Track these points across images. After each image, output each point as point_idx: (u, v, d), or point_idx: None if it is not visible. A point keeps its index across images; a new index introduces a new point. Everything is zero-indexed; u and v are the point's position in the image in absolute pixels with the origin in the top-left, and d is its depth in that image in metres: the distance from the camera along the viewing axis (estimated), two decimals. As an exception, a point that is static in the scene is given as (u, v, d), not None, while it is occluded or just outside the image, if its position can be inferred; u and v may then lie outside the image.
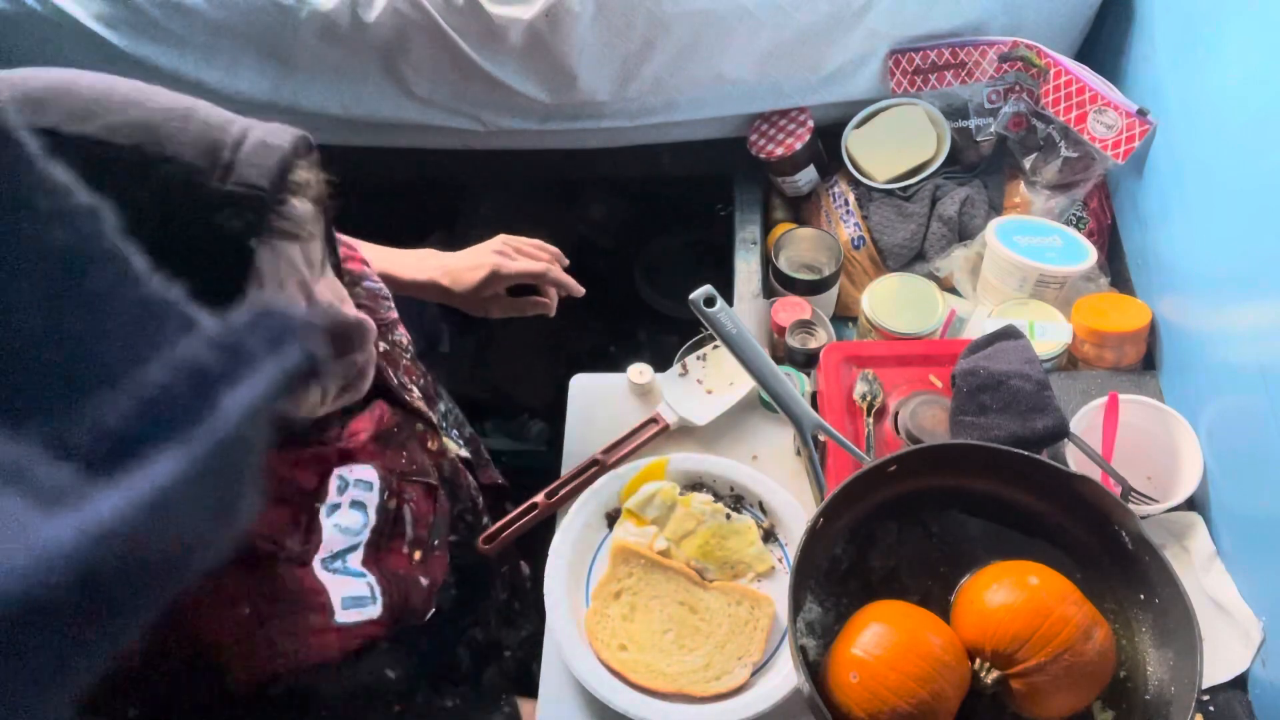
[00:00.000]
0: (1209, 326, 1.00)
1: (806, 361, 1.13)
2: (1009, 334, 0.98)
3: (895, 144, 1.33)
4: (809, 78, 1.33)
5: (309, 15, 1.26)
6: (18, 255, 0.22)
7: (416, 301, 1.06)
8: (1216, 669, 0.87)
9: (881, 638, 0.73)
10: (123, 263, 0.24)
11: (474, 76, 1.31)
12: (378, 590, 0.76)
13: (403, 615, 0.78)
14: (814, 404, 1.05)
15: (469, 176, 1.60)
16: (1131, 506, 0.93)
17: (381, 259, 1.03)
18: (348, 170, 0.69)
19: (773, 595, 0.94)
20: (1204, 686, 0.80)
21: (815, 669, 0.76)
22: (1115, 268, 1.23)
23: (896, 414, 1.00)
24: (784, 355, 1.17)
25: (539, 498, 1.02)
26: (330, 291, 0.67)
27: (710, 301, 0.92)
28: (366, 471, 0.79)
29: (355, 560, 0.75)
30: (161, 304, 0.25)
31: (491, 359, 1.75)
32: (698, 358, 1.12)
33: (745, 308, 1.29)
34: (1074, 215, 1.25)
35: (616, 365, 1.16)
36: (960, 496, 0.85)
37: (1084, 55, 1.29)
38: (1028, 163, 1.27)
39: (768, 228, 1.44)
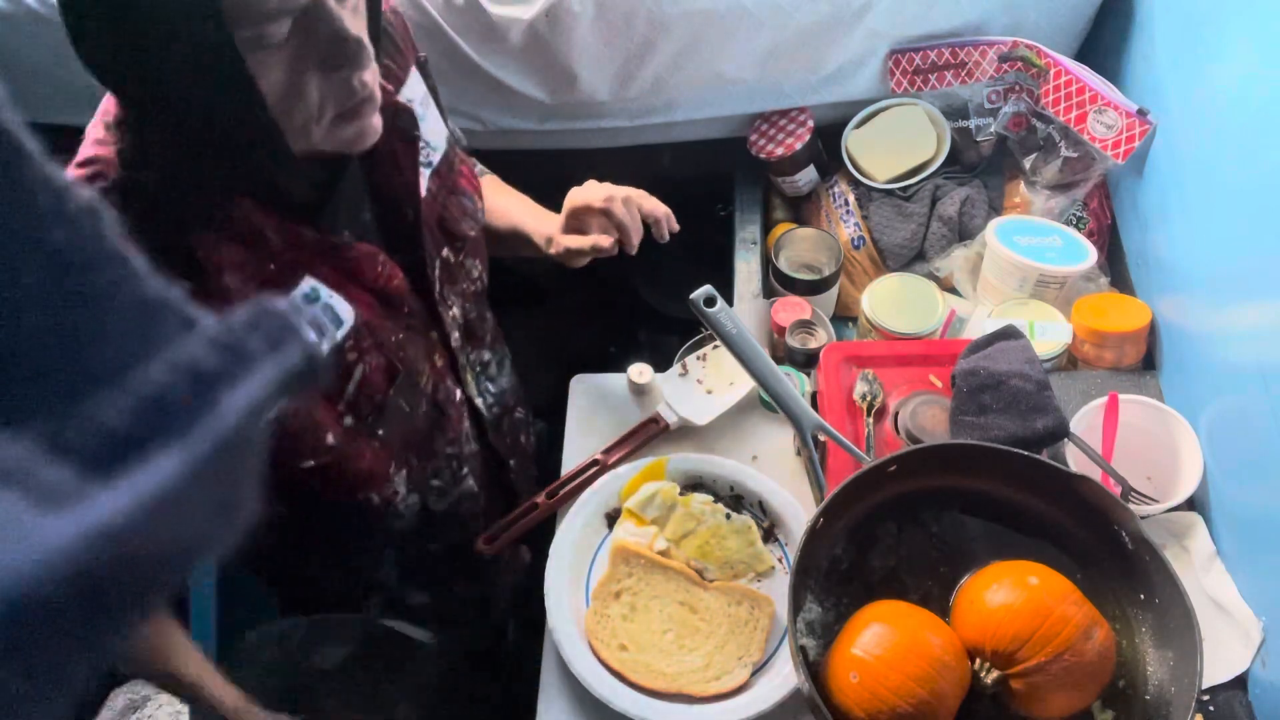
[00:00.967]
0: (1209, 326, 1.00)
1: (806, 361, 1.13)
2: (1009, 334, 0.98)
3: (895, 144, 1.33)
4: (809, 78, 1.33)
5: (309, 15, 1.26)
6: (18, 255, 0.22)
7: None
8: (1216, 669, 0.87)
9: (881, 638, 0.73)
10: (123, 263, 0.24)
11: (474, 76, 1.31)
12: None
13: (285, 440, 0.77)
14: (814, 404, 1.05)
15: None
16: (1131, 506, 0.93)
17: (515, 210, 1.08)
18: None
19: (772, 595, 0.94)
20: (1204, 686, 0.80)
21: (815, 669, 0.76)
22: (1115, 268, 1.23)
23: (896, 414, 1.00)
24: (784, 355, 1.17)
25: (540, 497, 1.02)
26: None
27: (710, 301, 0.92)
28: (343, 307, 0.78)
29: None
30: (161, 304, 0.25)
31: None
32: (698, 358, 1.12)
33: (745, 308, 1.29)
34: (1074, 215, 1.25)
35: (616, 365, 1.16)
36: (960, 496, 0.85)
37: (1084, 55, 1.29)
38: (1028, 163, 1.27)
39: (768, 228, 1.44)
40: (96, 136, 0.70)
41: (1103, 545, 0.81)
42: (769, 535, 0.99)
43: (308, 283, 0.75)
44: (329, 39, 0.66)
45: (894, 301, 1.17)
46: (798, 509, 0.99)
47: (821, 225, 1.38)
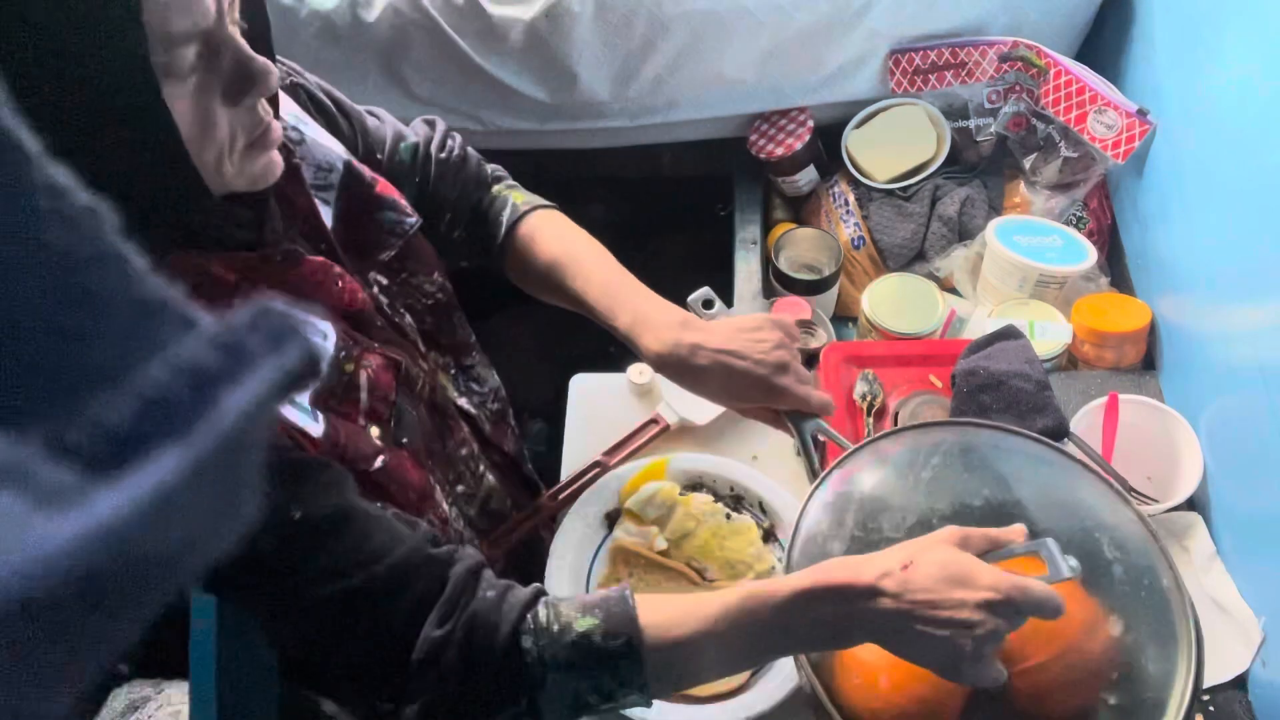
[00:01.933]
0: (1209, 326, 1.00)
1: (806, 361, 1.13)
2: (1009, 334, 0.98)
3: (895, 144, 1.33)
4: (809, 78, 1.33)
5: (308, 15, 1.26)
6: (18, 255, 0.22)
7: None
8: (1216, 669, 0.87)
9: None
10: (123, 263, 0.24)
11: (474, 76, 1.32)
12: (323, 423, 0.70)
13: (346, 455, 0.72)
14: (814, 404, 1.05)
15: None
16: (1131, 506, 0.93)
17: (610, 285, 0.89)
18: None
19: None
20: (1204, 686, 0.80)
21: (818, 668, 0.75)
22: (1115, 268, 1.23)
23: (896, 414, 1.00)
24: (784, 355, 1.17)
25: (542, 499, 1.02)
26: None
27: (708, 304, 0.91)
28: (321, 323, 0.73)
29: (304, 399, 0.70)
30: (161, 304, 0.25)
31: (491, 359, 1.75)
32: None
33: (745, 308, 1.29)
34: (1074, 215, 1.25)
35: (616, 365, 1.16)
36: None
37: (1084, 55, 1.29)
38: (1028, 163, 1.27)
39: (768, 228, 1.44)
40: None
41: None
42: (769, 536, 0.99)
43: (277, 305, 0.71)
44: (232, 65, 0.62)
45: (894, 301, 1.17)
46: (798, 509, 0.99)
47: (821, 225, 1.38)
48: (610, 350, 1.88)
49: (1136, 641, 0.72)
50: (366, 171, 0.83)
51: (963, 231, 1.29)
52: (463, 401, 0.97)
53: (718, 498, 1.01)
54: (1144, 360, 1.12)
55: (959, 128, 1.32)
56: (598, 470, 1.04)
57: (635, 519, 0.99)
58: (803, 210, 1.46)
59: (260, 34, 0.67)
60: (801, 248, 1.28)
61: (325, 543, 0.63)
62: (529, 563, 1.14)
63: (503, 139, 1.42)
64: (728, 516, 0.98)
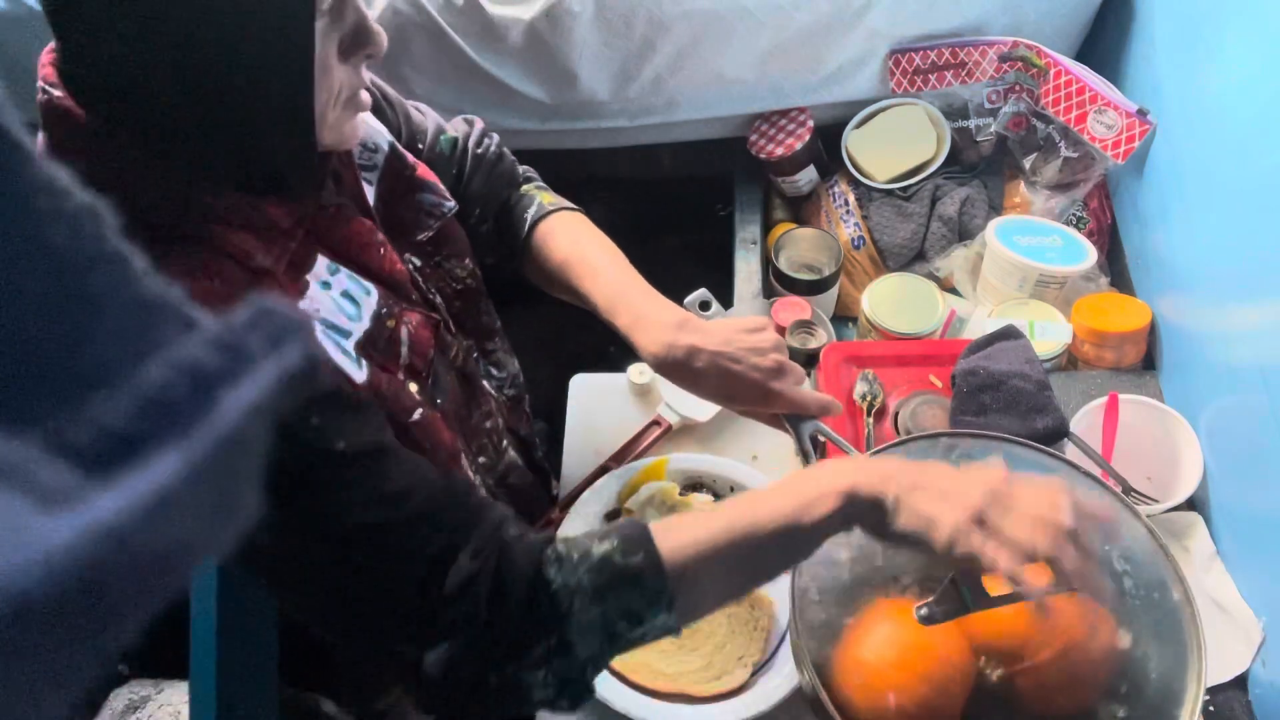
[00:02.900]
0: (1209, 326, 1.00)
1: (806, 361, 1.13)
2: (1009, 334, 0.99)
3: (895, 144, 1.33)
4: (809, 78, 1.33)
5: (309, 15, 1.26)
6: (18, 255, 0.22)
7: None
8: (1216, 669, 0.87)
9: (886, 636, 0.73)
10: (123, 263, 0.24)
11: (474, 76, 1.31)
12: (366, 370, 0.72)
13: (387, 404, 0.73)
14: (814, 404, 1.05)
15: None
16: (1131, 506, 0.93)
17: (614, 284, 0.90)
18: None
19: (773, 596, 0.94)
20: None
21: (819, 669, 0.75)
22: (1115, 268, 1.23)
23: (896, 414, 1.00)
24: (784, 355, 1.17)
25: (554, 513, 1.02)
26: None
27: (705, 305, 0.91)
28: (365, 281, 0.75)
29: (350, 345, 0.72)
30: (161, 304, 0.25)
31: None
32: None
33: (745, 308, 1.29)
34: (1074, 215, 1.25)
35: (616, 365, 1.16)
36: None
37: (1084, 55, 1.29)
38: (1028, 163, 1.27)
39: (768, 228, 1.44)
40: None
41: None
42: (769, 535, 0.99)
43: (323, 261, 0.73)
44: (354, 22, 0.66)
45: (894, 301, 1.17)
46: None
47: (821, 225, 1.38)
48: (610, 350, 1.88)
49: (1145, 654, 0.71)
50: (408, 155, 0.86)
51: (963, 231, 1.29)
52: (485, 384, 0.98)
53: (718, 497, 1.01)
54: (1144, 360, 1.12)
55: (959, 128, 1.32)
56: (603, 476, 1.04)
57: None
58: (803, 210, 1.46)
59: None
60: (801, 248, 1.28)
61: (365, 474, 0.63)
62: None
63: (503, 139, 1.41)
64: (728, 516, 0.98)
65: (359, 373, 0.72)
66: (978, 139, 1.31)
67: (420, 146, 0.93)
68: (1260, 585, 0.88)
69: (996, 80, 1.28)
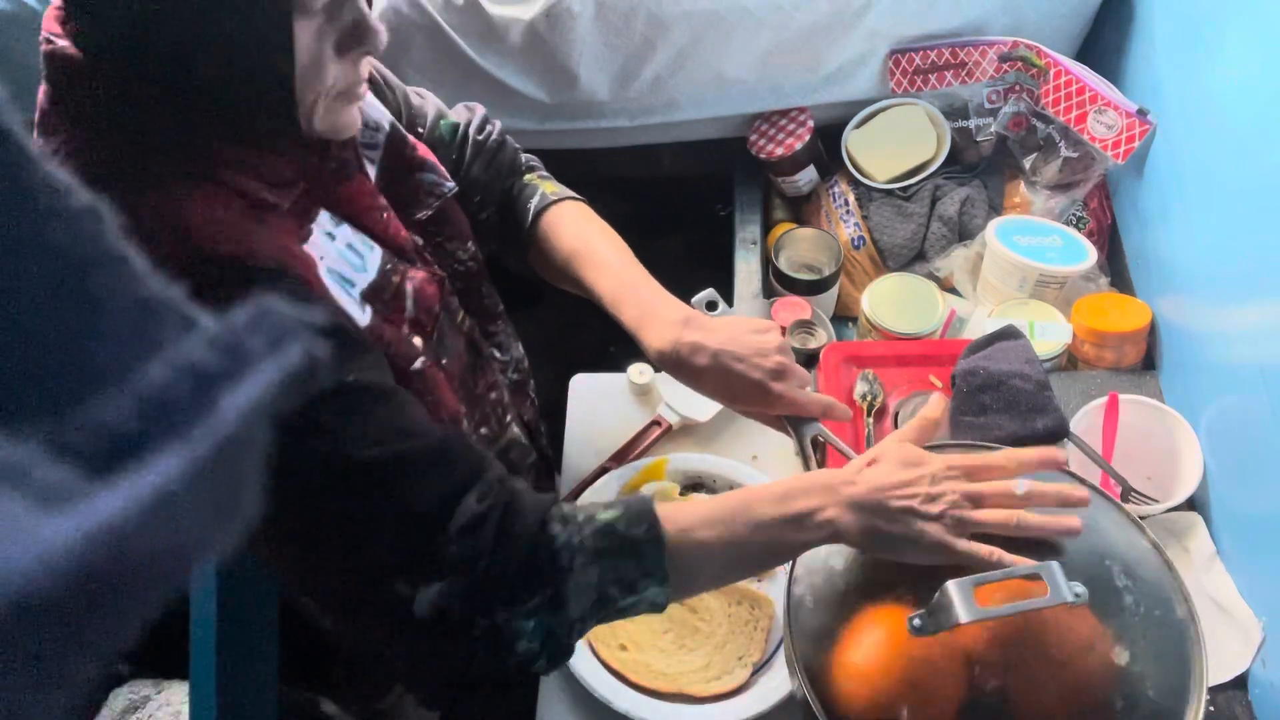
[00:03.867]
0: (1209, 326, 1.00)
1: (806, 361, 1.13)
2: (1009, 334, 0.98)
3: (895, 144, 1.33)
4: (809, 78, 1.33)
5: (309, 15, 1.26)
6: (18, 255, 0.22)
7: None
8: (1216, 669, 0.87)
9: (879, 644, 0.73)
10: (123, 263, 0.24)
11: (474, 76, 1.32)
12: (370, 316, 0.72)
13: (389, 351, 0.73)
14: (814, 404, 1.05)
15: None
16: (1131, 506, 0.93)
17: (621, 279, 0.90)
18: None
19: (772, 595, 0.94)
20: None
21: (813, 675, 0.75)
22: (1115, 268, 1.23)
23: (896, 414, 1.00)
24: (784, 355, 1.17)
25: None
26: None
27: (712, 305, 0.91)
28: (368, 239, 0.75)
29: (355, 293, 0.72)
30: (161, 304, 0.25)
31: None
32: None
33: (745, 308, 1.29)
34: (1074, 215, 1.25)
35: (616, 365, 1.16)
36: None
37: (1084, 55, 1.29)
38: (1028, 163, 1.27)
39: (768, 228, 1.44)
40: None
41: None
42: (769, 535, 0.99)
43: (326, 215, 0.72)
44: (352, 20, 0.66)
45: (894, 301, 1.17)
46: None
47: (821, 225, 1.38)
48: (610, 350, 1.89)
49: (1144, 671, 0.70)
50: (409, 135, 0.86)
51: (963, 231, 1.29)
52: (492, 354, 0.98)
53: (718, 498, 1.01)
54: (1144, 360, 1.12)
55: (959, 128, 1.32)
56: (603, 476, 1.04)
57: (635, 519, 0.99)
58: (803, 210, 1.46)
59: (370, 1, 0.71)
60: (801, 248, 1.28)
61: (376, 409, 0.63)
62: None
63: (503, 139, 1.42)
64: (728, 516, 0.98)
65: (363, 317, 0.71)
66: (978, 139, 1.31)
67: (420, 130, 0.93)
68: (1260, 585, 0.88)
69: (996, 80, 1.28)
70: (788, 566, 0.96)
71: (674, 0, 1.24)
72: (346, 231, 0.74)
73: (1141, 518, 0.86)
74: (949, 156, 1.32)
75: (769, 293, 1.30)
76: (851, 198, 1.34)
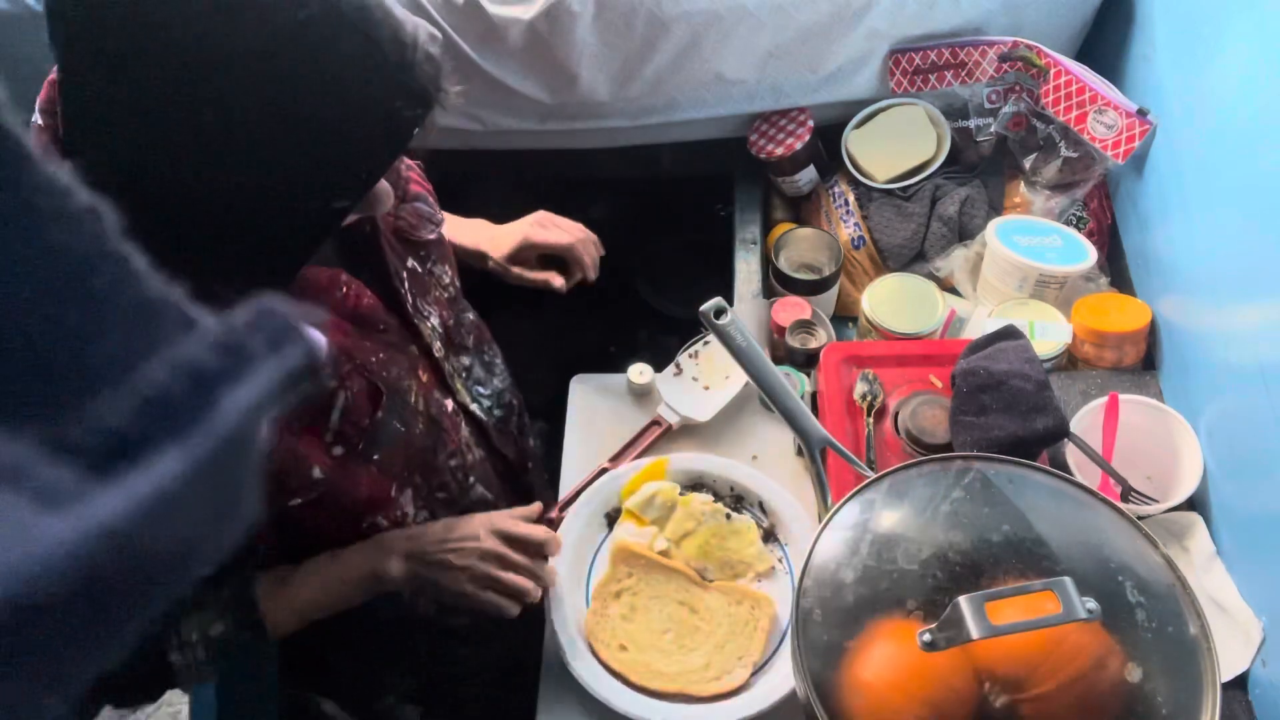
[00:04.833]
0: (1209, 326, 1.00)
1: (806, 361, 1.13)
2: (1009, 334, 0.98)
3: (895, 144, 1.33)
4: (809, 78, 1.33)
5: (309, 15, 1.26)
6: (18, 255, 0.22)
7: None
8: (1216, 669, 0.87)
9: (888, 659, 0.72)
10: (123, 263, 0.24)
11: (474, 76, 1.31)
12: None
13: (277, 470, 0.76)
14: (814, 404, 1.05)
15: (468, 176, 1.60)
16: (1131, 507, 0.93)
17: (446, 222, 1.06)
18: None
19: (773, 595, 0.94)
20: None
21: (821, 689, 0.74)
22: (1115, 268, 1.23)
23: (896, 414, 1.00)
24: (784, 355, 1.17)
25: (554, 512, 1.02)
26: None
27: (720, 313, 0.91)
28: (314, 335, 0.75)
29: None
30: (161, 304, 0.25)
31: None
32: (690, 355, 1.13)
33: (745, 308, 1.29)
34: (1074, 215, 1.25)
35: (616, 365, 1.16)
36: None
37: (1084, 55, 1.29)
38: (1028, 163, 1.27)
39: (768, 228, 1.44)
40: None
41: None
42: (769, 535, 0.99)
43: (278, 306, 0.73)
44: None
45: (894, 301, 1.17)
46: (799, 510, 0.99)
47: (821, 225, 1.38)
48: (610, 350, 1.89)
49: (1156, 687, 0.70)
50: (402, 166, 0.93)
51: (963, 231, 1.29)
52: (474, 407, 0.99)
53: (718, 498, 1.01)
54: (1144, 360, 1.12)
55: (959, 128, 1.32)
56: (603, 476, 1.04)
57: (635, 519, 0.99)
58: (803, 210, 1.46)
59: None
60: (801, 248, 1.28)
61: None
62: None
63: (503, 139, 1.42)
64: (728, 517, 0.98)
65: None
66: (978, 139, 1.31)
67: None
68: (1260, 585, 0.88)
69: (996, 80, 1.28)
70: (789, 560, 0.97)
71: (674, 0, 1.24)
72: None
73: (1141, 518, 0.86)
74: (949, 156, 1.32)
75: (769, 292, 1.30)
76: (851, 198, 1.34)
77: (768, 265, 1.30)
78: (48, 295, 0.23)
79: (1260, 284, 0.89)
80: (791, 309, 1.18)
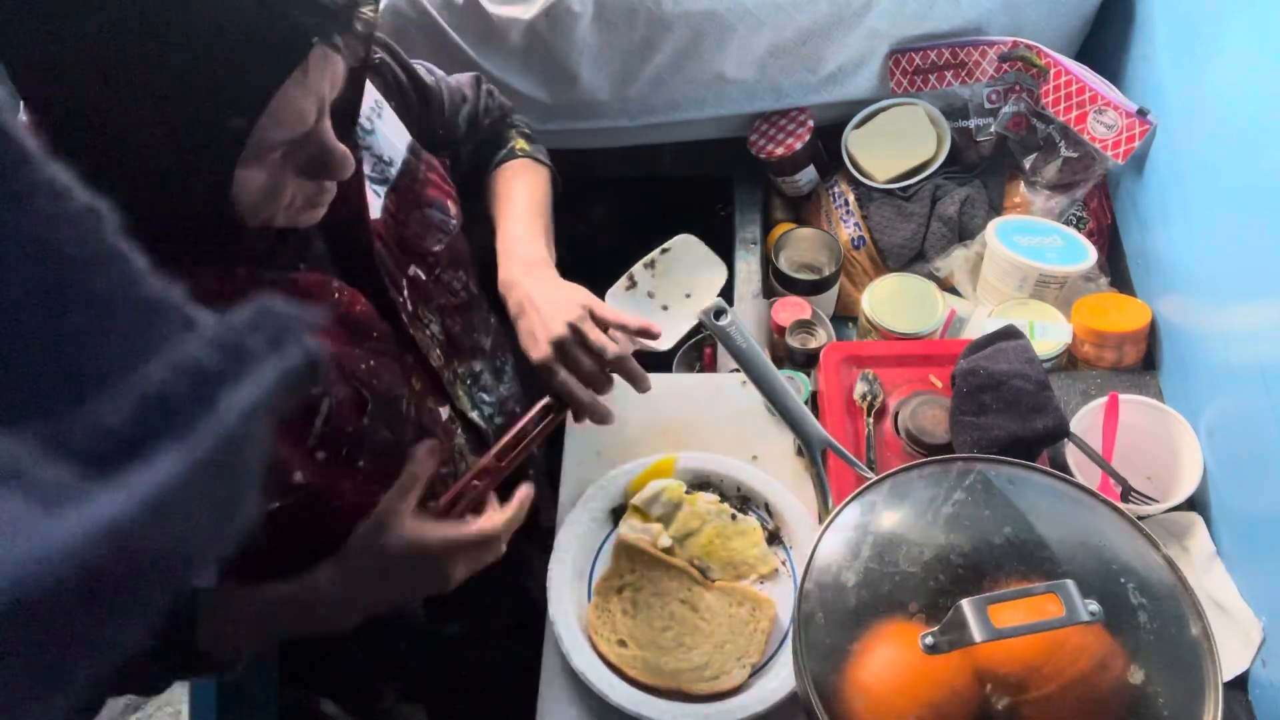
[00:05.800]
0: (1209, 326, 1.00)
1: (806, 361, 1.13)
2: (1009, 334, 0.98)
3: (895, 144, 1.33)
4: (809, 78, 1.33)
5: (309, 15, 1.26)
6: (18, 256, 0.22)
7: None
8: (1216, 669, 0.87)
9: (889, 662, 0.72)
10: (123, 263, 0.24)
11: (474, 76, 1.31)
12: None
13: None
14: (814, 404, 1.05)
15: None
16: (1131, 507, 0.93)
17: (504, 210, 1.01)
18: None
19: (775, 598, 0.94)
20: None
21: (823, 692, 0.74)
22: (1115, 268, 1.23)
23: (896, 414, 1.00)
24: (784, 355, 1.17)
25: (486, 460, 0.86)
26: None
27: (720, 314, 0.91)
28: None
29: None
30: (161, 304, 0.25)
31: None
32: (645, 265, 1.02)
33: (745, 308, 1.29)
34: (1074, 215, 1.25)
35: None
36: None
37: (1084, 55, 1.29)
38: (1028, 163, 1.27)
39: (768, 228, 1.44)
40: None
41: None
42: (774, 537, 0.99)
43: (279, 306, 0.72)
44: (315, 153, 0.67)
45: (894, 301, 1.17)
46: (804, 513, 0.99)
47: (821, 225, 1.38)
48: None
49: (1158, 691, 0.69)
50: (422, 168, 0.91)
51: (963, 231, 1.29)
52: (474, 414, 0.98)
53: (724, 498, 1.01)
54: (1144, 360, 1.12)
55: (959, 128, 1.32)
56: (550, 417, 0.90)
57: (640, 516, 0.99)
58: (803, 210, 1.46)
59: (350, 113, 0.73)
60: (801, 248, 1.28)
61: None
62: (531, 556, 1.14)
63: (503, 139, 1.42)
64: (733, 517, 0.98)
65: None
66: (978, 139, 1.31)
67: (440, 132, 1.02)
68: (1260, 585, 0.88)
69: (996, 80, 1.28)
70: (794, 562, 0.97)
71: (674, 0, 1.24)
72: None
73: (1141, 518, 0.86)
74: (949, 156, 1.32)
75: (769, 292, 1.30)
76: (851, 198, 1.34)
77: (768, 265, 1.30)
78: (47, 296, 0.23)
79: (1260, 284, 0.89)
80: (791, 309, 1.18)
